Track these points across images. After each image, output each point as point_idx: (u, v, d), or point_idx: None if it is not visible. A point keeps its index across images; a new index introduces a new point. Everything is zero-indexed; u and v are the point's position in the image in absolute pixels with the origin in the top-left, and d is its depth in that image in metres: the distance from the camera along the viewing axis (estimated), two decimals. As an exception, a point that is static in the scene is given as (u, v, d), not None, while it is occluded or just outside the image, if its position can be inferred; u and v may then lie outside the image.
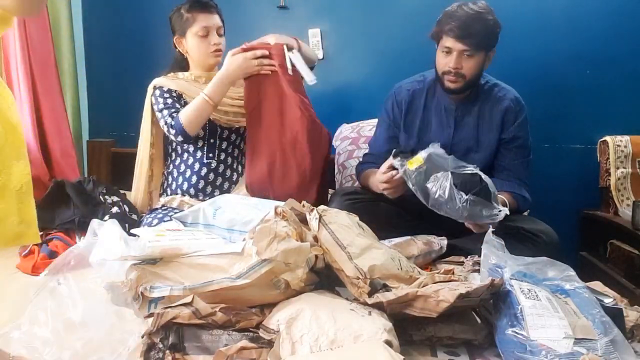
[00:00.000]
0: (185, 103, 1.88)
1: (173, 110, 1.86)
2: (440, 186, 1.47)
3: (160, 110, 1.88)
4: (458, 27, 1.67)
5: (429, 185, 1.49)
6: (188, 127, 1.79)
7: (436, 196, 1.48)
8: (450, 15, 1.70)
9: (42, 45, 2.32)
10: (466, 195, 1.45)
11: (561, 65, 2.38)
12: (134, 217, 1.94)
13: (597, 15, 2.34)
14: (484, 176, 1.51)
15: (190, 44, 1.91)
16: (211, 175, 1.92)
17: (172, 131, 1.83)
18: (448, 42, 1.70)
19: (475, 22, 1.66)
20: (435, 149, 1.55)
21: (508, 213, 1.48)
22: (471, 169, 1.51)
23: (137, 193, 2.03)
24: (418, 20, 2.37)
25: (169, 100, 1.89)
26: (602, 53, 2.35)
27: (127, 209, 1.94)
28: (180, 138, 1.83)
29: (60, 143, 2.36)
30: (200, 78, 1.94)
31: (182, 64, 2.00)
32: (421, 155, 1.53)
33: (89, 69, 2.77)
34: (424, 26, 1.83)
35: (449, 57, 1.72)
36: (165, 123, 1.85)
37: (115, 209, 1.89)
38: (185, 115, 1.80)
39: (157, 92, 1.91)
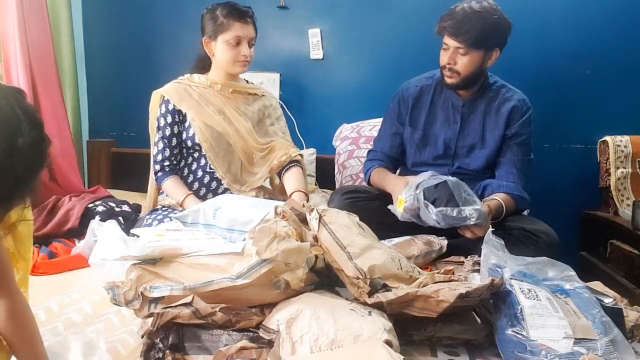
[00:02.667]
0: (184, 119, 1.90)
1: (165, 149, 1.90)
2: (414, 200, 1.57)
3: (157, 143, 1.92)
4: (452, 25, 1.71)
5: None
6: (162, 189, 1.92)
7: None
8: (449, 12, 1.74)
9: (42, 45, 2.32)
10: (434, 205, 1.54)
11: (561, 65, 2.38)
12: (125, 208, 1.94)
13: (597, 15, 2.35)
14: (448, 179, 1.57)
15: (220, 49, 1.86)
16: (213, 184, 1.91)
17: (155, 176, 1.92)
18: (445, 38, 1.76)
19: (471, 21, 1.69)
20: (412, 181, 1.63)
21: (474, 218, 1.53)
22: (440, 178, 1.59)
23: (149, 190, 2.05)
24: (418, 21, 2.39)
25: (167, 131, 1.89)
26: (602, 53, 2.36)
27: (113, 204, 1.93)
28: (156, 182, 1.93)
29: (60, 143, 2.36)
30: (216, 84, 1.92)
31: (205, 64, 1.97)
32: (401, 196, 1.62)
33: (89, 69, 2.77)
34: (424, 26, 1.84)
35: (446, 53, 1.77)
36: (155, 161, 1.91)
37: (101, 208, 1.88)
38: (165, 187, 1.89)
39: (163, 108, 1.90)
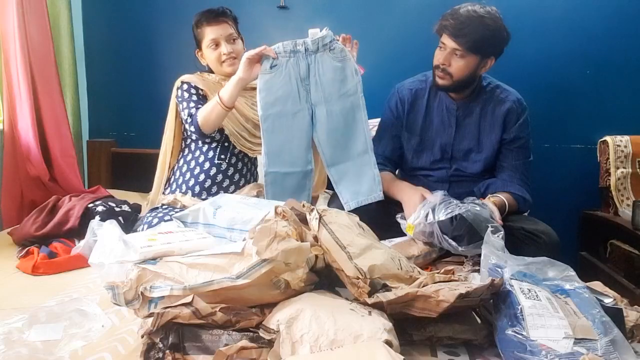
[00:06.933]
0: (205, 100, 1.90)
1: (194, 105, 1.87)
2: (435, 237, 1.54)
3: (182, 102, 1.90)
4: (454, 25, 1.69)
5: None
6: (203, 126, 1.81)
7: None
8: (452, 12, 1.72)
9: (42, 45, 2.32)
10: (456, 242, 1.49)
11: (561, 66, 2.38)
12: (125, 207, 1.93)
13: (597, 15, 2.35)
14: (465, 212, 1.50)
15: (206, 56, 1.96)
16: (219, 177, 1.93)
17: (191, 127, 1.84)
18: (444, 38, 1.73)
19: (473, 24, 1.67)
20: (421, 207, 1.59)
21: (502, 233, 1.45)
22: (453, 207, 1.53)
23: (157, 187, 2.02)
24: (418, 21, 2.38)
25: (194, 97, 1.90)
26: (602, 53, 2.36)
27: (113, 204, 1.93)
28: (195, 136, 1.89)
29: (60, 143, 2.36)
30: (225, 80, 1.93)
31: (211, 70, 2.02)
32: (409, 222, 1.59)
33: (89, 69, 2.77)
34: (424, 27, 1.83)
35: (442, 53, 1.75)
36: (187, 115, 1.87)
37: (101, 208, 1.88)
38: (201, 114, 1.81)
39: (185, 86, 1.92)
